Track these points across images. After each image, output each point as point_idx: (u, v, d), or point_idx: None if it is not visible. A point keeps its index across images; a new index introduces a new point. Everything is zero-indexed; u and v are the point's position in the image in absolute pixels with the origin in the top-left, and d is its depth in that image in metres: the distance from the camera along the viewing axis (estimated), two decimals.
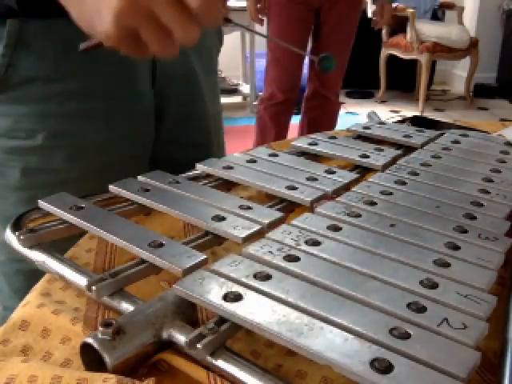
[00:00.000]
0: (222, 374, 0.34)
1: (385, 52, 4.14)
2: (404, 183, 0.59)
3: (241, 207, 0.53)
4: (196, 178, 0.64)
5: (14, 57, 0.62)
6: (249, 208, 0.52)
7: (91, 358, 0.35)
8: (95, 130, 0.68)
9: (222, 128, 0.89)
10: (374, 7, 2.47)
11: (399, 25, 3.90)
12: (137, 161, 0.73)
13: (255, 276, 0.40)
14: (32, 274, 0.50)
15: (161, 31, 0.42)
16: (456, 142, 0.74)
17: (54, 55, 0.63)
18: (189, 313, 0.40)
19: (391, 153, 0.70)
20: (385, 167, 0.65)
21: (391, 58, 4.14)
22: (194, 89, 0.77)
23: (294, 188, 0.58)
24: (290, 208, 0.57)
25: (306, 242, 0.45)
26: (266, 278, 0.39)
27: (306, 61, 2.47)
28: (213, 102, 0.83)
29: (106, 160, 0.69)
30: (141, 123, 0.72)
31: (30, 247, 0.49)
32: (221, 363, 0.34)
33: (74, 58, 0.64)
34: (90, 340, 0.35)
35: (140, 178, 0.60)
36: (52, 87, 0.64)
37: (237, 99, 4.03)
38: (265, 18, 2.34)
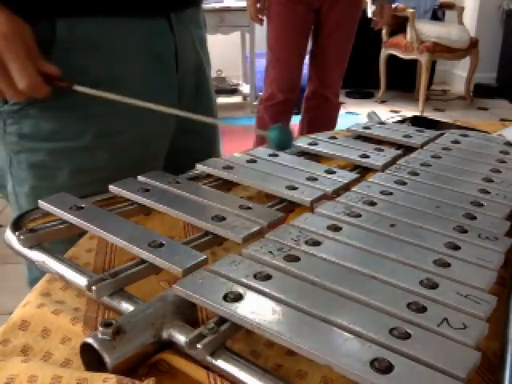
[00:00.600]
0: (222, 374, 0.34)
1: (385, 52, 4.14)
2: (404, 183, 0.59)
3: (241, 207, 0.53)
4: (196, 178, 0.64)
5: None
6: (249, 208, 0.52)
7: (91, 358, 0.35)
8: (135, 128, 0.70)
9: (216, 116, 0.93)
10: (373, 7, 2.47)
11: (399, 25, 3.90)
12: (162, 154, 0.76)
13: (255, 276, 0.40)
14: None
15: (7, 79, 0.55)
16: (456, 142, 0.74)
17: (101, 59, 0.65)
18: (189, 313, 0.40)
19: (391, 153, 0.70)
20: (385, 167, 0.65)
21: (391, 58, 4.13)
22: (203, 79, 0.81)
23: (294, 188, 0.58)
24: (289, 208, 0.57)
25: (306, 242, 0.45)
26: (266, 277, 0.39)
27: (306, 61, 2.47)
28: (212, 91, 0.86)
29: (143, 157, 0.72)
30: (169, 119, 0.74)
31: (30, 247, 0.49)
32: (221, 363, 0.34)
33: (114, 60, 0.66)
34: (90, 340, 0.35)
35: (140, 177, 0.60)
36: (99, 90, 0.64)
37: (237, 99, 4.02)
38: (265, 18, 2.33)
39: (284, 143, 0.52)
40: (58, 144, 0.67)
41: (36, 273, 0.73)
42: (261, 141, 2.43)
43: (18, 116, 0.66)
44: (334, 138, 0.76)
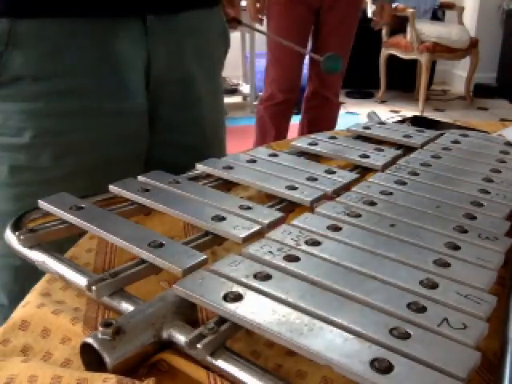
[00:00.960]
0: (222, 374, 0.34)
1: (385, 52, 4.14)
2: (404, 183, 0.59)
3: (241, 207, 0.53)
4: (196, 178, 0.64)
5: (4, 55, 0.62)
6: (249, 208, 0.52)
7: (91, 358, 0.35)
8: (84, 130, 0.68)
9: (223, 132, 0.87)
10: (373, 7, 2.47)
11: (399, 25, 3.90)
12: (130, 162, 0.73)
13: (255, 276, 0.40)
14: (20, 270, 0.50)
15: None
16: (456, 142, 0.74)
17: (44, 54, 0.63)
18: (189, 313, 0.40)
19: (391, 153, 0.70)
20: (385, 167, 0.65)
21: (391, 58, 4.14)
22: (190, 93, 0.76)
23: (294, 188, 0.58)
24: (289, 208, 0.57)
25: (306, 242, 0.45)
26: (266, 278, 0.39)
27: (306, 61, 2.47)
28: (213, 106, 0.81)
29: (95, 160, 0.69)
30: (133, 124, 0.72)
31: (30, 247, 0.49)
32: (221, 363, 0.34)
33: (62, 58, 0.64)
34: (90, 340, 0.35)
35: (140, 177, 0.60)
36: (40, 86, 0.64)
37: (237, 99, 4.03)
38: (264, 18, 2.33)
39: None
40: (0, 139, 0.66)
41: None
42: (261, 141, 2.43)
43: None
44: (333, 138, 0.76)
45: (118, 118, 0.69)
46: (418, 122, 0.88)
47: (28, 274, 0.49)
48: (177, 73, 0.73)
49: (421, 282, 0.39)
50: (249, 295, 0.37)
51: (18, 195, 0.66)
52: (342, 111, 2.85)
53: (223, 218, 0.50)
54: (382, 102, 4.29)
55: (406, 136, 0.77)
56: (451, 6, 4.23)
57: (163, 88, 0.72)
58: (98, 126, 0.68)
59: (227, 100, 3.69)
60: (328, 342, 0.33)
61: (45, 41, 0.63)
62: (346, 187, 0.59)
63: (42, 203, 0.54)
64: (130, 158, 0.73)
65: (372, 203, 0.53)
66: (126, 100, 0.69)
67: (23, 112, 0.65)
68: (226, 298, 0.37)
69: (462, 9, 4.19)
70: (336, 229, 0.47)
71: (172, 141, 0.77)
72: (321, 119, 2.47)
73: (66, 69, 0.65)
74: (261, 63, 3.17)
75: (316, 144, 0.73)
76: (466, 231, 0.48)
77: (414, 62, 4.16)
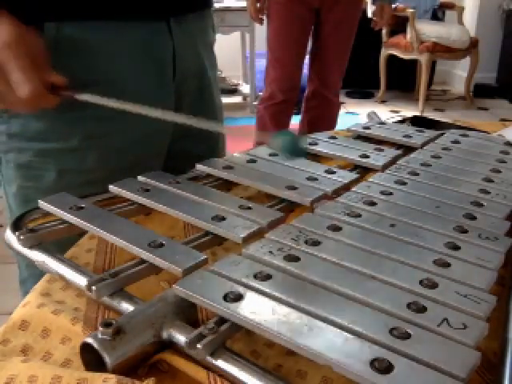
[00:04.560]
0: (222, 374, 0.34)
1: (385, 52, 4.14)
2: (404, 183, 0.59)
3: (241, 207, 0.53)
4: (196, 178, 0.64)
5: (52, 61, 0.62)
6: (249, 208, 0.52)
7: (91, 358, 0.35)
8: (124, 130, 0.70)
9: (223, 119, 0.92)
10: (373, 7, 2.47)
11: (399, 25, 3.90)
12: (158, 157, 0.76)
13: (255, 276, 0.40)
14: None
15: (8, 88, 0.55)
16: (456, 142, 0.74)
17: (88, 59, 0.65)
18: (189, 313, 0.40)
19: (391, 153, 0.70)
20: (385, 167, 0.65)
21: (391, 58, 4.13)
22: (204, 85, 0.80)
23: (294, 188, 0.58)
24: (289, 208, 0.57)
25: (306, 242, 0.45)
26: (266, 277, 0.40)
27: (306, 61, 2.47)
28: (217, 91, 0.86)
29: (133, 159, 0.71)
30: (163, 122, 0.73)
31: (30, 247, 0.49)
32: (221, 363, 0.34)
33: (105, 62, 0.66)
34: (90, 340, 0.35)
35: (140, 178, 0.60)
36: (86, 91, 0.64)
37: (237, 99, 4.02)
38: (265, 18, 2.33)
39: (297, 152, 0.48)
40: (45, 145, 0.67)
41: (24, 274, 0.73)
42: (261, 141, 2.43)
43: (7, 115, 0.66)
44: (333, 137, 0.76)
45: (152, 118, 0.71)
46: (418, 121, 0.88)
47: None
48: (194, 68, 0.77)
49: (421, 282, 0.39)
50: (249, 295, 0.37)
51: None
52: (342, 111, 2.85)
53: (223, 218, 0.50)
54: (382, 101, 4.29)
55: (406, 136, 0.77)
56: (451, 6, 4.22)
57: (185, 84, 0.76)
58: (137, 126, 0.70)
59: (227, 100, 3.70)
60: (328, 341, 0.33)
61: (87, 46, 0.64)
62: (346, 187, 0.59)
63: (42, 203, 0.54)
64: (159, 154, 0.77)
65: (372, 203, 0.53)
66: (160, 99, 0.71)
67: (70, 117, 0.66)
68: (226, 298, 0.37)
69: (461, 9, 4.18)
70: (336, 229, 0.47)
71: (190, 133, 0.79)
72: (321, 119, 2.47)
73: (109, 72, 0.66)
74: (261, 63, 3.16)
75: (316, 144, 0.73)
76: (466, 231, 0.48)
77: (414, 62, 4.16)
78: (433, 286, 0.39)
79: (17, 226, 0.52)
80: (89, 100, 0.59)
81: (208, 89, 0.82)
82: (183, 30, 0.73)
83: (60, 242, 0.53)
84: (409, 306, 0.36)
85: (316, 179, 0.60)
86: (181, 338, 0.36)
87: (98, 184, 0.61)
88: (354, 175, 0.63)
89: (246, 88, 3.96)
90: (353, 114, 3.93)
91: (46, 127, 0.66)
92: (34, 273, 0.69)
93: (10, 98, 0.57)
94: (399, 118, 0.95)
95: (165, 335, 0.37)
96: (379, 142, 0.77)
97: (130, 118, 0.69)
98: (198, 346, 0.34)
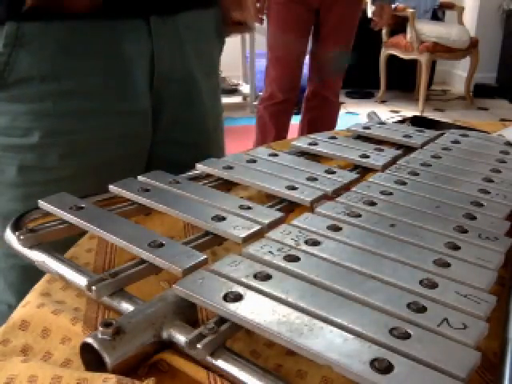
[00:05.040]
0: (222, 374, 0.34)
1: (385, 52, 4.14)
2: (404, 183, 0.59)
3: (241, 207, 0.53)
4: (196, 178, 0.64)
5: (12, 56, 0.62)
6: (249, 208, 0.52)
7: (91, 358, 0.35)
8: (90, 129, 0.68)
9: (221, 129, 0.89)
10: (373, 7, 2.47)
11: (399, 25, 3.90)
12: (133, 160, 0.74)
13: (255, 276, 0.40)
14: (27, 270, 0.50)
15: None
16: (456, 142, 0.74)
17: (51, 55, 0.64)
18: (189, 313, 0.40)
19: (391, 153, 0.70)
20: (385, 167, 0.65)
21: (391, 58, 4.14)
22: (191, 91, 0.78)
23: (294, 188, 0.58)
24: (289, 208, 0.57)
25: (306, 242, 0.45)
26: (266, 277, 0.39)
27: (307, 61, 2.47)
28: (212, 104, 0.83)
29: (101, 159, 0.70)
30: (138, 123, 0.73)
31: (30, 247, 0.49)
32: (221, 363, 0.34)
33: (70, 58, 0.65)
34: (90, 340, 0.35)
35: (140, 177, 0.60)
36: (48, 87, 0.64)
37: (237, 99, 4.02)
38: (265, 18, 2.34)
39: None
40: (8, 139, 0.66)
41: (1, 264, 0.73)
42: (261, 141, 2.43)
43: None
44: (333, 138, 0.76)
45: (123, 118, 0.70)
46: (418, 121, 0.88)
47: (35, 274, 0.49)
48: (179, 72, 0.74)
49: (421, 282, 0.39)
50: (249, 295, 0.37)
51: (26, 195, 0.67)
52: (342, 111, 2.85)
53: (223, 218, 0.50)
54: (382, 101, 4.29)
55: (406, 136, 0.77)
56: (451, 6, 4.22)
57: (166, 87, 0.73)
58: (104, 126, 0.69)
59: (227, 100, 3.70)
60: (328, 341, 0.33)
61: (51, 42, 0.63)
62: (346, 187, 0.59)
63: (42, 203, 0.54)
64: (134, 157, 0.74)
65: (372, 203, 0.53)
66: (130, 99, 0.70)
67: (31, 113, 0.65)
68: (226, 297, 0.37)
69: (461, 9, 4.19)
70: (336, 229, 0.47)
71: (174, 139, 0.78)
72: (321, 119, 2.47)
73: (73, 69, 0.65)
74: (261, 63, 3.17)
75: (316, 144, 0.73)
76: (466, 231, 0.48)
77: (414, 62, 4.16)
78: (433, 286, 0.39)
79: (17, 226, 0.52)
80: None
81: (197, 97, 0.78)
82: (167, 31, 0.70)
83: (60, 242, 0.53)
84: (409, 305, 0.36)
85: (316, 179, 0.60)
86: (181, 338, 0.36)
87: (64, 182, 0.61)
88: (354, 175, 0.62)
89: (246, 88, 3.96)
90: (353, 114, 3.93)
91: (9, 122, 0.65)
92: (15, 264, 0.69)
93: None
94: (399, 118, 0.95)
95: (165, 335, 0.37)
96: (379, 141, 0.77)
97: (99, 118, 0.68)
98: (198, 346, 0.34)
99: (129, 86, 0.70)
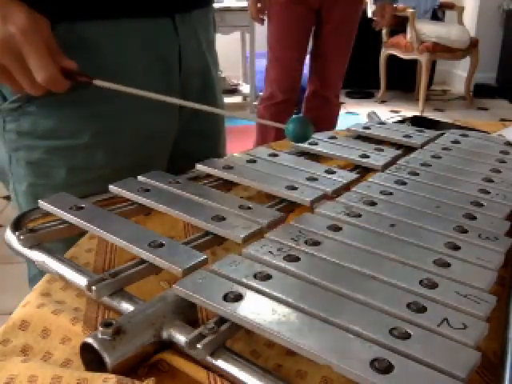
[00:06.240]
0: (222, 374, 0.34)
1: (385, 52, 4.14)
2: (404, 183, 0.59)
3: (241, 207, 0.53)
4: (196, 178, 0.64)
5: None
6: (249, 208, 0.52)
7: (91, 358, 0.35)
8: (133, 127, 0.70)
9: (224, 119, 0.93)
10: (374, 7, 2.47)
11: (399, 25, 3.90)
12: (163, 155, 0.77)
13: (255, 276, 0.40)
14: None
15: (26, 73, 0.56)
16: (456, 142, 0.74)
17: (98, 57, 0.65)
18: (189, 313, 0.40)
19: (391, 153, 0.70)
20: (385, 167, 0.65)
21: (391, 58, 4.13)
22: (208, 83, 0.81)
23: (294, 188, 0.58)
24: (289, 208, 0.57)
25: (306, 242, 0.45)
26: (266, 277, 0.40)
27: (307, 61, 2.47)
28: (220, 91, 0.87)
29: (139, 156, 0.72)
30: (171, 117, 0.75)
31: (30, 247, 0.49)
32: (221, 363, 0.34)
33: (113, 59, 0.66)
34: (90, 340, 0.35)
35: (140, 177, 0.60)
36: (95, 89, 0.64)
37: (237, 99, 4.02)
38: (265, 18, 2.33)
39: (303, 136, 0.54)
40: (55, 142, 0.67)
41: (34, 270, 0.73)
42: (261, 141, 2.43)
43: (17, 113, 0.66)
44: (333, 137, 0.76)
45: (161, 114, 0.73)
46: (418, 121, 0.88)
47: None
48: (199, 64, 0.78)
49: (421, 282, 0.39)
50: (249, 295, 0.37)
51: (76, 196, 0.68)
52: (342, 111, 2.85)
53: (223, 218, 0.50)
54: (382, 101, 4.29)
55: (406, 136, 0.77)
56: (451, 6, 4.22)
57: (189, 81, 0.76)
58: (144, 124, 0.71)
59: (227, 100, 3.70)
60: (328, 342, 0.33)
61: (95, 44, 0.65)
62: (346, 187, 0.59)
63: (42, 203, 0.54)
64: (164, 152, 0.77)
65: (372, 203, 0.53)
66: (167, 95, 0.71)
67: (80, 115, 0.67)
68: (226, 297, 0.37)
69: (461, 9, 4.18)
70: (336, 229, 0.47)
71: (196, 129, 0.80)
72: (321, 119, 2.47)
73: (117, 70, 0.67)
74: (261, 63, 3.16)
75: (316, 144, 0.73)
76: (466, 231, 0.48)
77: (414, 62, 4.16)
78: (433, 286, 0.39)
79: (17, 225, 0.52)
80: (104, 85, 0.59)
81: (211, 88, 0.82)
82: (188, 27, 0.73)
83: (60, 242, 0.53)
84: (409, 305, 0.36)
85: (316, 179, 0.60)
86: (181, 338, 0.36)
87: (107, 181, 0.61)
88: (353, 175, 0.63)
89: (246, 88, 3.96)
90: (353, 114, 3.93)
91: (56, 124, 0.66)
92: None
93: (26, 82, 0.58)
94: (399, 118, 0.95)
95: (165, 335, 0.37)
96: (379, 141, 0.77)
97: (139, 117, 0.70)
98: (198, 346, 0.34)
99: (165, 86, 0.71)
